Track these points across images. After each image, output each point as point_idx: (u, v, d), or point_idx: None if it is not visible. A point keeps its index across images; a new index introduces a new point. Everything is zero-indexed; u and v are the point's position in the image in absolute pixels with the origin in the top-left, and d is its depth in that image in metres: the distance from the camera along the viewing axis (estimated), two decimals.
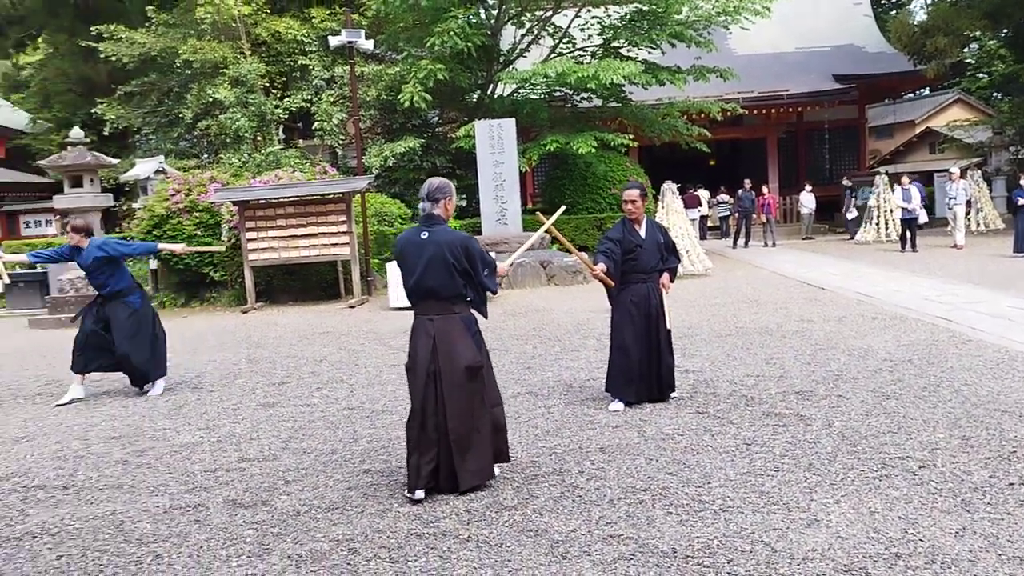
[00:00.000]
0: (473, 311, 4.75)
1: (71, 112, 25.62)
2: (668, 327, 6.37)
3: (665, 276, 6.44)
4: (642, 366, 6.24)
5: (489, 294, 4.78)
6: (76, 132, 15.00)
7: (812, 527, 3.85)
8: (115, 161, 17.42)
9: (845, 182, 24.81)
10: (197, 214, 15.48)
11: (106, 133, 22.11)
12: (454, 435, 4.49)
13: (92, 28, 21.33)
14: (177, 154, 21.84)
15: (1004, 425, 5.22)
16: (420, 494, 4.46)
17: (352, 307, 13.79)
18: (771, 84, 25.68)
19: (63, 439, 6.32)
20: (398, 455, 5.32)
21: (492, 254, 14.87)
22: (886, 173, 23.45)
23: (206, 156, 21.76)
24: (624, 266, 6.23)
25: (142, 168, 19.44)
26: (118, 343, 7.62)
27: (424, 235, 4.59)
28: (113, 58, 20.76)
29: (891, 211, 21.14)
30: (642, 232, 6.31)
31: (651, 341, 6.27)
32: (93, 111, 22.14)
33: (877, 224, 21.76)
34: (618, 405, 6.20)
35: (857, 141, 29.82)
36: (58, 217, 24.89)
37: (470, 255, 4.57)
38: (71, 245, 7.74)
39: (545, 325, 10.48)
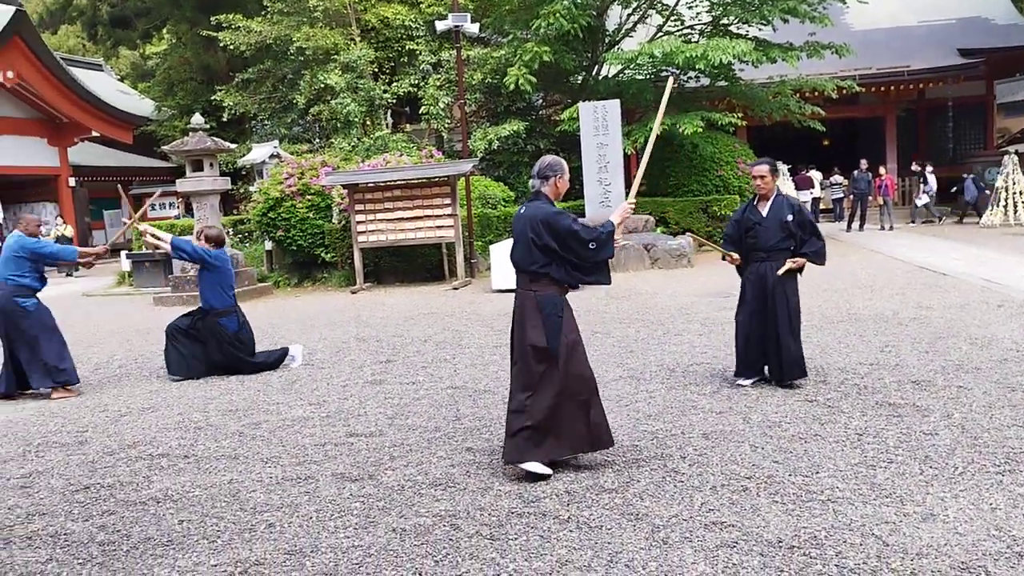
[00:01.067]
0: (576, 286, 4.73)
1: (192, 99, 26.80)
2: (793, 308, 6.24)
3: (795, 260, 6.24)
4: (755, 344, 6.25)
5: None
6: (197, 119, 15.68)
7: (927, 522, 3.69)
8: (233, 146, 18.14)
9: (915, 167, 23.50)
10: (309, 197, 15.96)
11: (224, 119, 23.03)
12: (508, 409, 4.62)
13: (212, 18, 22.27)
14: (290, 139, 22.56)
15: None
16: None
17: (456, 289, 13.99)
18: (891, 60, 24.49)
19: (184, 411, 6.66)
20: (499, 434, 5.36)
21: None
22: (1016, 152, 22.08)
23: (318, 140, 22.38)
24: (746, 244, 6.32)
25: (258, 152, 20.18)
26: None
27: (522, 210, 4.65)
28: (231, 47, 21.61)
29: (1020, 193, 19.92)
30: (764, 211, 6.24)
31: (767, 320, 6.20)
32: (213, 98, 23.09)
33: (1005, 207, 20.55)
34: (744, 381, 6.31)
35: (984, 119, 28.14)
36: (181, 200, 26.17)
37: (554, 230, 4.45)
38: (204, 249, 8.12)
39: (648, 309, 10.36)
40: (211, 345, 7.95)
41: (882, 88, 25.04)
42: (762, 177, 6.22)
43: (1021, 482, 4.08)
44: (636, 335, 8.63)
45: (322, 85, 19.77)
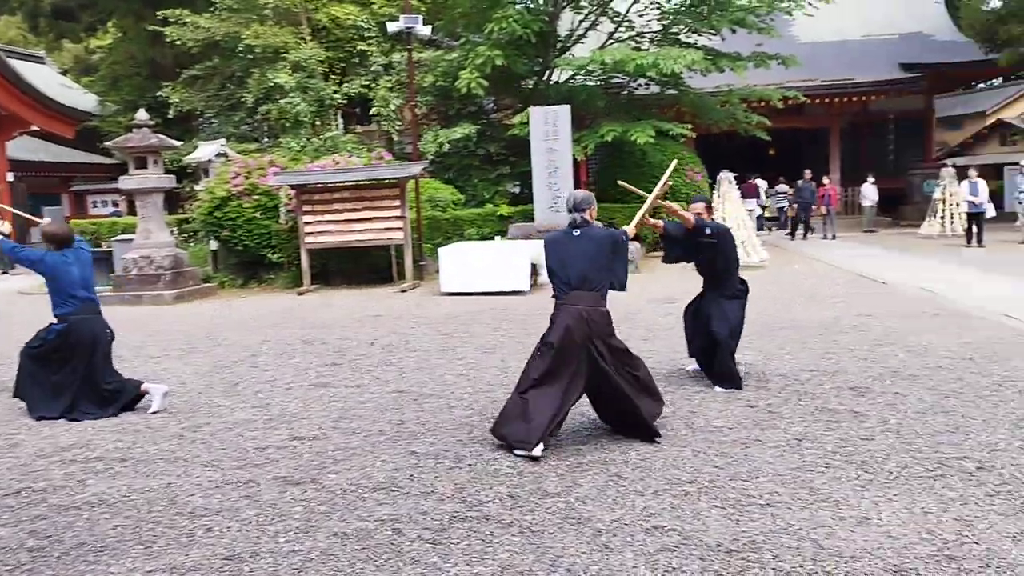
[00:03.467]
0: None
1: (138, 95, 26.25)
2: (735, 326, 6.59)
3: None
4: (695, 341, 6.73)
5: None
6: (141, 114, 15.34)
7: (862, 525, 3.77)
8: (178, 143, 17.78)
9: (779, 188, 23.98)
10: (256, 197, 15.73)
11: (170, 116, 22.60)
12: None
13: (159, 13, 21.83)
14: (238, 137, 22.23)
15: None
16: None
17: (404, 291, 13.91)
18: (835, 72, 25.07)
19: (122, 412, 6.49)
20: (444, 438, 5.36)
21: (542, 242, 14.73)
22: (953, 165, 22.76)
23: (266, 140, 22.11)
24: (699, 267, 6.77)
25: (204, 151, 19.83)
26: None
27: (576, 233, 5.19)
28: (178, 42, 21.23)
29: (957, 205, 20.52)
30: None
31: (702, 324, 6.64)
32: (158, 94, 22.66)
33: (942, 218, 21.16)
34: (691, 365, 6.90)
35: (923, 132, 28.98)
36: (124, 197, 25.60)
37: (619, 249, 5.21)
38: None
39: None
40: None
41: (826, 100, 25.61)
42: (699, 214, 6.54)
43: (952, 486, 4.20)
44: None
45: (271, 84, 19.53)
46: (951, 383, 6.25)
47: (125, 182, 15.10)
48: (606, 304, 5.18)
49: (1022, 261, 14.66)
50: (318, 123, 20.48)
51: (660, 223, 6.53)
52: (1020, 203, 18.45)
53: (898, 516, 3.86)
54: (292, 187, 14.91)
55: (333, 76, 21.08)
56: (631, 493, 4.28)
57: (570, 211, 5.27)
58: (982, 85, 36.13)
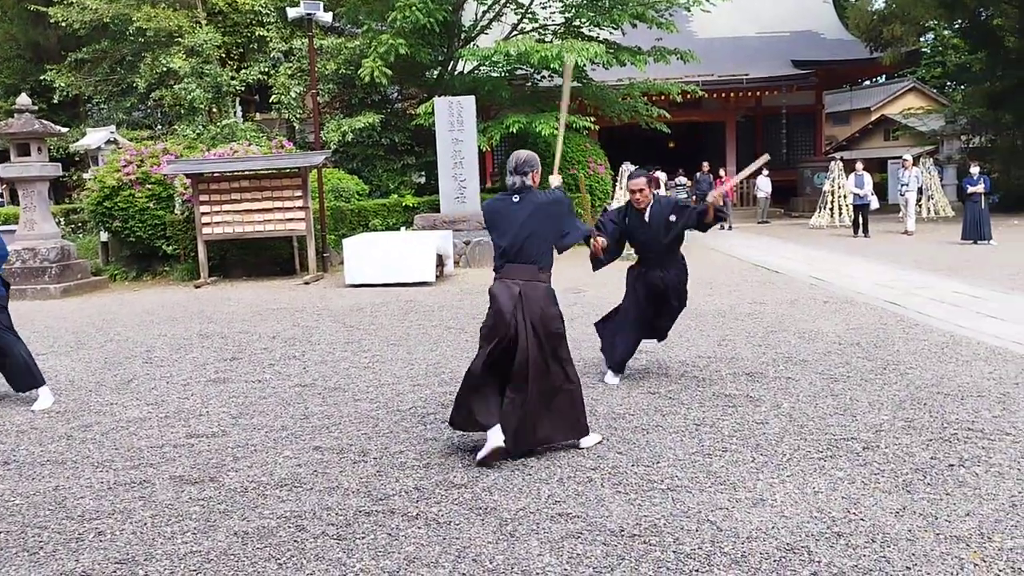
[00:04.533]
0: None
1: (19, 79, 24.87)
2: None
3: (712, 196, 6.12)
4: (634, 344, 6.44)
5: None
6: (23, 99, 14.55)
7: (757, 506, 3.91)
8: (64, 130, 16.96)
9: (679, 180, 24.57)
10: (150, 186, 15.17)
11: (55, 101, 21.56)
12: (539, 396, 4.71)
13: None
14: (130, 124, 21.37)
15: (946, 408, 5.35)
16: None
17: (307, 283, 13.66)
18: (731, 68, 25.85)
19: (4, 413, 6.18)
20: (349, 432, 5.30)
21: (450, 233, 14.74)
22: (841, 159, 23.78)
23: (160, 127, 21.34)
24: (638, 248, 6.41)
25: (93, 138, 18.95)
26: None
27: (515, 199, 4.68)
28: (64, 23, 20.18)
29: (844, 197, 21.45)
30: (647, 216, 6.14)
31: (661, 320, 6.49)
32: (42, 78, 21.56)
33: (831, 209, 22.09)
34: (612, 379, 6.36)
35: (814, 127, 30.20)
36: (5, 186, 24.26)
37: (561, 210, 4.78)
38: None
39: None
40: None
41: (723, 94, 26.38)
42: (640, 190, 6.09)
43: (840, 466, 4.39)
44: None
45: (165, 69, 18.84)
46: (839, 367, 6.54)
47: (6, 170, 14.30)
48: (548, 280, 4.74)
49: (905, 251, 15.45)
50: (215, 110, 19.86)
51: (601, 242, 5.76)
52: (902, 195, 19.41)
53: (791, 496, 4.02)
54: (188, 176, 14.42)
55: (230, 62, 20.47)
56: (537, 481, 4.32)
57: (510, 174, 4.71)
58: (868, 82, 37.86)
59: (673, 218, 6.14)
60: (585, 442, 4.81)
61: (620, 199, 15.77)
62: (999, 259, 13.48)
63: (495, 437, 4.52)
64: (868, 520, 3.71)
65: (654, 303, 6.36)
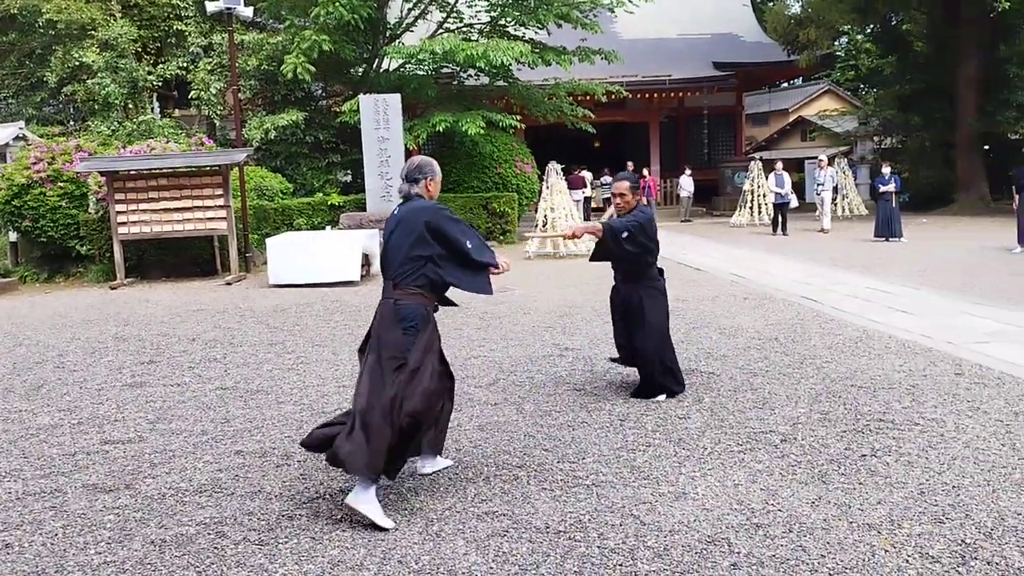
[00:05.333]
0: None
1: None
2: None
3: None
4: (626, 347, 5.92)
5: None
6: None
7: (680, 500, 3.98)
8: None
9: (604, 180, 24.51)
10: (62, 184, 14.65)
11: None
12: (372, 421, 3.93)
13: None
14: (40, 120, 20.58)
15: (859, 400, 5.53)
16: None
17: (229, 284, 13.36)
18: (654, 69, 26.26)
19: None
20: (272, 435, 5.20)
21: (377, 232, 14.56)
22: (760, 159, 24.40)
23: (72, 123, 20.63)
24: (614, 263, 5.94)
25: (0, 134, 18.19)
26: None
27: (396, 212, 4.18)
28: None
29: (764, 196, 22.02)
30: None
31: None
32: None
33: (751, 208, 22.64)
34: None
35: (734, 127, 30.92)
36: None
37: (436, 222, 4.06)
38: None
39: None
40: None
41: (646, 95, 26.79)
42: (621, 195, 5.80)
43: (759, 459, 4.51)
44: None
45: (77, 63, 18.20)
46: (759, 362, 6.70)
47: None
48: (404, 296, 4.06)
49: (821, 248, 15.94)
50: (131, 106, 19.27)
51: (599, 227, 5.59)
52: (818, 194, 20.02)
53: (712, 489, 4.10)
54: (102, 174, 13.95)
55: (147, 56, 19.90)
56: (463, 480, 4.32)
57: (402, 180, 4.26)
58: (786, 84, 38.93)
59: (625, 235, 5.63)
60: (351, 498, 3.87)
61: (547, 198, 15.86)
62: (909, 256, 14.02)
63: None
64: (785, 511, 3.81)
65: (624, 321, 5.87)
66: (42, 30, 19.08)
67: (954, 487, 4.01)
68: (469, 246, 4.12)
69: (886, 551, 3.38)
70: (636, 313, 5.77)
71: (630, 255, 5.73)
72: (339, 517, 3.90)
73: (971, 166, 24.20)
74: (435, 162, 4.31)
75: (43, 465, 4.83)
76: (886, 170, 17.55)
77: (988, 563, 3.25)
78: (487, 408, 5.66)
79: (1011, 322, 7.95)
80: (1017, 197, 14.23)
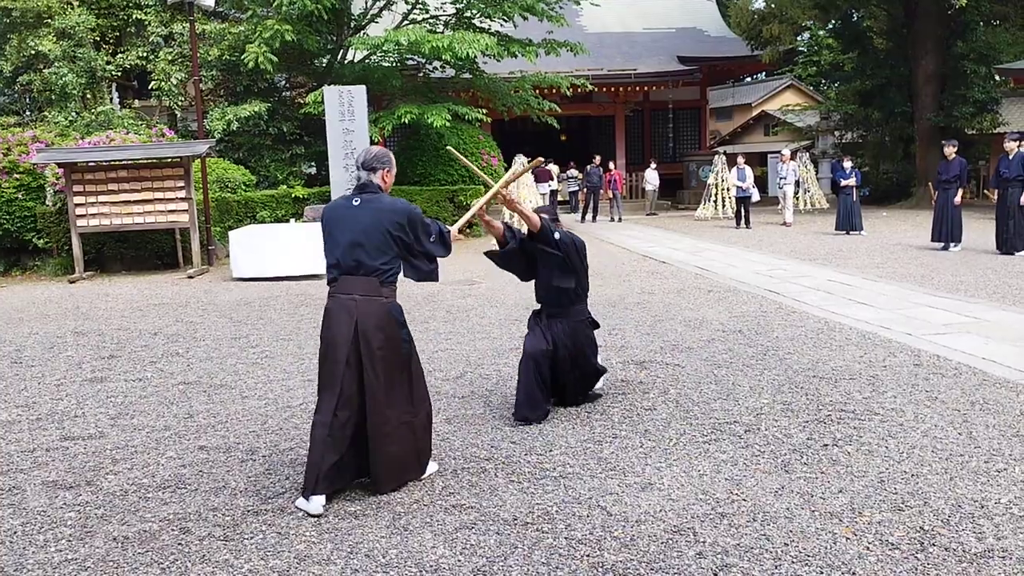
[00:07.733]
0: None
1: None
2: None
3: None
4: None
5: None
6: None
7: (646, 491, 4.01)
8: None
9: (570, 173, 24.34)
10: (17, 176, 14.33)
11: None
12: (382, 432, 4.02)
13: None
14: None
15: (822, 391, 5.62)
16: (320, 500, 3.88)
17: (191, 277, 13.19)
18: (619, 63, 26.37)
19: None
20: (236, 430, 5.15)
21: None
22: (724, 153, 24.59)
23: (29, 114, 20.12)
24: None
25: None
26: None
27: (356, 202, 4.05)
28: None
29: (727, 190, 22.20)
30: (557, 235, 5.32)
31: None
32: None
33: (715, 202, 22.82)
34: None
35: (699, 121, 31.14)
36: None
37: (412, 221, 4.04)
38: None
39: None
40: None
41: (612, 88, 26.88)
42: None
43: (724, 449, 4.56)
44: None
45: (33, 52, 17.78)
46: (723, 354, 6.77)
47: None
48: (392, 295, 4.07)
49: (783, 241, 16.13)
50: (89, 96, 18.89)
51: (499, 226, 5.15)
52: (781, 188, 20.24)
53: (678, 480, 4.14)
54: (60, 165, 13.68)
55: (106, 46, 19.50)
56: (431, 474, 4.31)
57: (358, 169, 4.13)
58: (749, 79, 39.25)
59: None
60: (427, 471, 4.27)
61: (514, 191, 15.84)
62: (869, 248, 14.24)
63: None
64: (750, 500, 3.86)
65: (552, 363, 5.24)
66: None
67: (913, 475, 4.09)
68: (432, 244, 4.16)
69: (847, 539, 3.44)
70: (575, 360, 5.29)
71: (550, 266, 5.27)
72: (305, 512, 3.87)
73: (930, 161, 24.60)
74: (391, 154, 4.26)
75: (1, 462, 4.73)
76: (847, 164, 17.78)
77: (946, 549, 3.33)
78: (454, 401, 5.65)
79: (968, 313, 8.12)
80: (935, 193, 14.17)
